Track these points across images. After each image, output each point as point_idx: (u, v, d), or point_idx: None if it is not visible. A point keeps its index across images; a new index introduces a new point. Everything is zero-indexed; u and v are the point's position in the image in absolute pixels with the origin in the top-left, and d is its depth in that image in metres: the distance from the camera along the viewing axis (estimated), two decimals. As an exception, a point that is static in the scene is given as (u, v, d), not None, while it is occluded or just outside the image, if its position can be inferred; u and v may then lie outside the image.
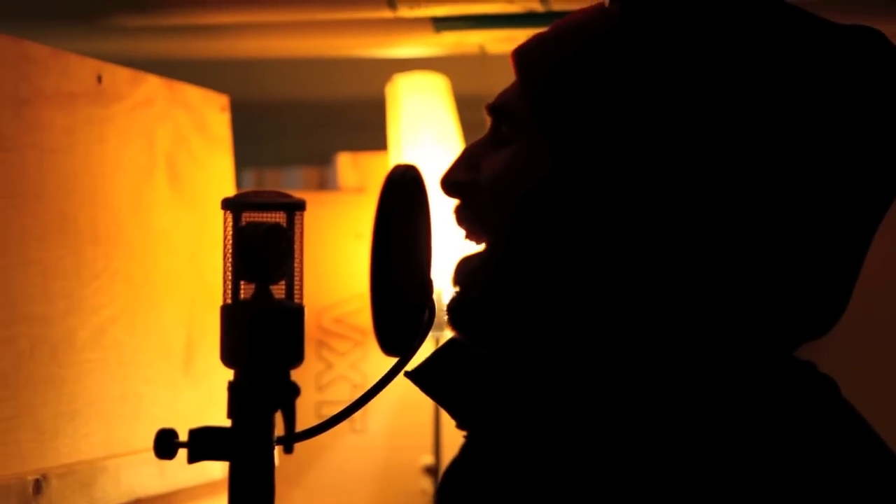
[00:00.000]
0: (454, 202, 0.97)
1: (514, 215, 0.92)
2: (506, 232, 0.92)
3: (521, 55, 0.95)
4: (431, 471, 2.49)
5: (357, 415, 0.99)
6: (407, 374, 0.96)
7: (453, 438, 2.51)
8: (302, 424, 0.95)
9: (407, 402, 2.55)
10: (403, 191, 0.91)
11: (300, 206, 0.95)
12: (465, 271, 0.96)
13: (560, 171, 0.90)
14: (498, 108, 0.95)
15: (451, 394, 0.95)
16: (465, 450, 0.95)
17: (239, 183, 1.90)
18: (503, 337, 0.94)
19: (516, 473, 0.88)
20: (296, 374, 0.95)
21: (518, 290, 0.92)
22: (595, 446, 0.86)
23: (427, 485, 2.51)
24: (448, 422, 2.51)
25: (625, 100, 0.88)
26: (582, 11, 0.95)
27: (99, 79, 1.50)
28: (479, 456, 0.93)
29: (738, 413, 0.87)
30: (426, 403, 2.49)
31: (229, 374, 0.95)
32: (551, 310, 0.91)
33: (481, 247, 0.96)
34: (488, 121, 0.97)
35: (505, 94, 0.95)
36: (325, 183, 2.94)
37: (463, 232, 0.97)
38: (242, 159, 1.90)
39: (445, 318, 0.97)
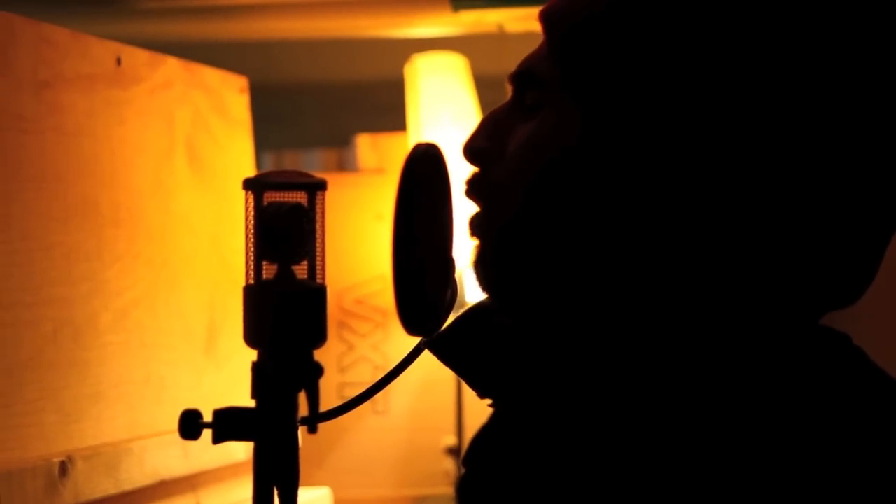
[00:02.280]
0: (468, 172, 0.96)
1: (538, 182, 0.91)
2: (528, 197, 0.91)
3: (549, 15, 0.93)
4: (453, 451, 2.49)
5: (379, 396, 0.99)
6: (426, 345, 0.96)
7: (475, 419, 2.52)
8: (324, 406, 0.95)
9: (429, 383, 2.55)
10: (425, 169, 0.91)
11: (322, 185, 0.95)
12: (478, 224, 0.94)
13: (587, 133, 0.89)
14: (522, 75, 0.94)
15: (471, 363, 0.95)
16: (492, 419, 0.94)
17: (258, 165, 1.90)
18: (530, 306, 0.93)
19: (543, 441, 0.88)
20: (317, 356, 0.95)
21: (539, 258, 0.91)
22: (623, 414, 0.86)
23: (449, 465, 2.52)
24: (470, 403, 2.51)
25: (656, 60, 0.87)
26: None
27: (118, 61, 1.50)
28: (506, 425, 0.92)
29: (767, 381, 0.86)
30: (448, 384, 2.49)
31: (251, 357, 0.95)
32: (574, 278, 0.90)
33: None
34: (510, 90, 0.96)
35: (529, 60, 0.94)
36: (344, 164, 2.94)
37: (472, 202, 0.96)
38: (261, 142, 1.91)
39: (467, 298, 0.96)
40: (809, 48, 0.87)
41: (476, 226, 0.95)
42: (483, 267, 0.94)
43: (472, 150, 0.95)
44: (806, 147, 0.87)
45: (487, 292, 0.95)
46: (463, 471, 0.95)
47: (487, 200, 0.94)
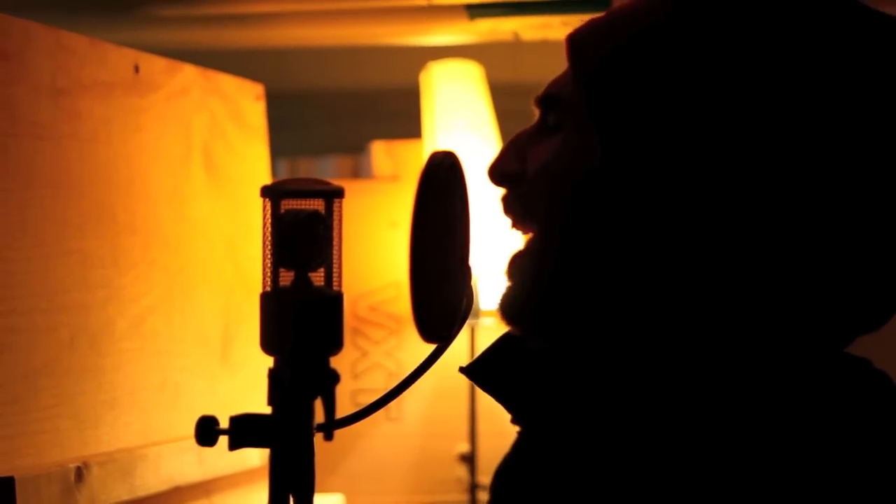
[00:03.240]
0: (499, 191, 0.97)
1: (563, 207, 0.91)
2: (554, 224, 0.92)
3: (575, 41, 0.95)
4: (467, 459, 2.49)
5: (393, 403, 0.99)
6: (462, 370, 0.96)
7: (488, 427, 2.52)
8: (338, 413, 0.95)
9: (442, 390, 2.55)
10: (442, 177, 0.91)
11: (339, 193, 0.95)
12: (518, 267, 0.96)
13: (609, 160, 0.90)
14: (547, 98, 0.95)
15: (508, 388, 0.95)
16: (519, 445, 0.95)
17: (273, 172, 1.90)
18: (558, 330, 0.93)
19: (576, 468, 0.88)
20: (331, 363, 0.95)
21: (571, 284, 0.92)
22: (654, 441, 0.86)
23: (462, 473, 2.51)
24: (484, 411, 2.51)
25: (678, 90, 0.88)
26: None
27: (136, 68, 1.50)
28: (536, 451, 0.92)
29: (794, 409, 0.86)
30: (461, 392, 2.49)
31: (266, 363, 0.95)
32: (605, 302, 0.91)
33: (528, 238, 0.96)
34: (536, 112, 0.97)
35: (555, 84, 0.95)
36: (359, 172, 2.94)
37: (509, 221, 0.97)
38: (276, 149, 1.91)
39: (482, 306, 0.97)
40: (831, 78, 0.87)
41: (515, 268, 0.95)
42: (517, 302, 0.95)
43: (499, 173, 0.97)
44: (831, 174, 0.87)
45: (517, 326, 0.96)
46: (489, 500, 0.95)
47: (521, 225, 0.95)
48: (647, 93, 0.89)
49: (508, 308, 0.96)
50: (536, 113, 0.97)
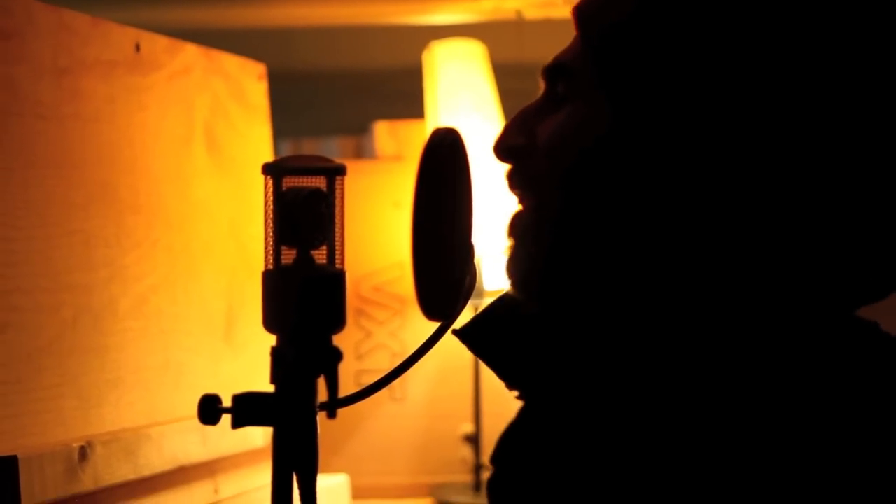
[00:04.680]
0: (503, 167, 0.97)
1: (571, 173, 0.91)
2: (563, 192, 0.92)
3: (582, 10, 0.94)
4: (471, 439, 2.49)
5: (396, 383, 0.99)
6: (454, 332, 0.96)
7: (493, 407, 2.52)
8: (342, 393, 0.95)
9: (447, 370, 2.55)
10: (444, 154, 0.91)
11: (341, 170, 0.95)
12: (520, 226, 0.95)
13: (618, 128, 0.89)
14: (555, 68, 0.95)
15: (500, 353, 0.95)
16: (520, 415, 0.94)
17: (276, 153, 1.90)
18: (566, 297, 0.93)
19: (573, 437, 0.88)
20: (335, 342, 0.95)
21: (575, 249, 0.91)
22: (656, 407, 0.86)
23: (467, 453, 2.52)
24: (488, 391, 2.51)
25: (687, 54, 0.88)
26: None
27: (137, 47, 1.50)
28: (535, 421, 0.92)
29: (800, 371, 0.86)
30: (466, 372, 2.49)
31: (270, 343, 0.95)
32: (609, 269, 0.90)
33: (531, 203, 0.95)
34: (542, 85, 0.96)
35: (563, 54, 0.95)
36: (362, 152, 2.94)
37: (516, 197, 0.96)
38: (279, 129, 1.91)
39: (486, 286, 0.96)
40: (830, 52, 0.87)
41: (517, 226, 0.95)
42: (521, 258, 0.94)
43: (504, 148, 0.96)
44: (837, 141, 0.87)
45: (518, 284, 0.95)
46: (492, 469, 0.95)
47: (532, 193, 0.94)
48: (656, 57, 0.88)
49: (513, 269, 0.95)
50: (542, 85, 0.96)
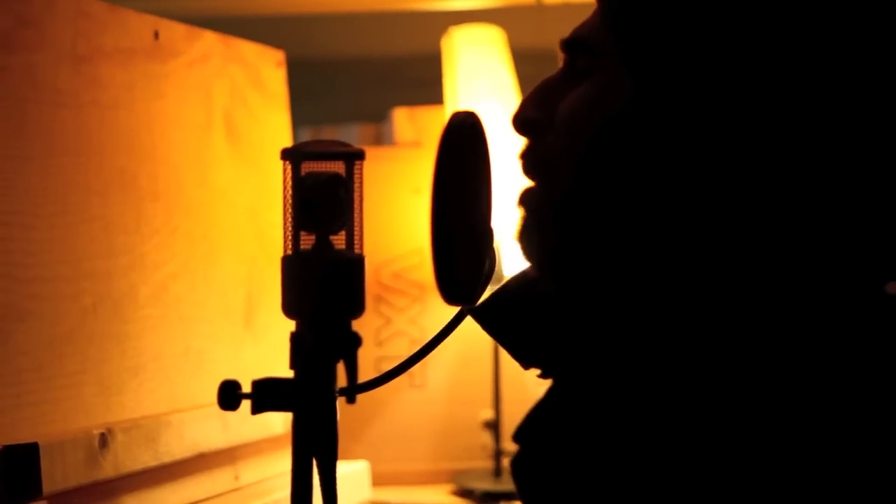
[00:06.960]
0: (517, 149, 0.96)
1: (591, 147, 0.90)
2: (583, 166, 0.91)
3: None
4: (491, 426, 2.49)
5: (416, 369, 0.99)
6: (469, 312, 0.95)
7: (513, 393, 2.51)
8: (362, 379, 0.95)
9: (467, 357, 2.55)
10: (463, 138, 0.90)
11: (360, 155, 0.95)
12: (531, 202, 0.94)
13: (639, 101, 0.88)
14: (574, 42, 0.94)
15: (514, 332, 0.94)
16: (548, 394, 0.93)
17: (295, 140, 1.89)
18: (576, 275, 0.92)
19: (597, 415, 0.87)
20: (354, 328, 0.95)
21: (590, 228, 0.91)
22: (679, 387, 0.85)
23: (487, 440, 2.51)
24: (508, 377, 2.50)
25: (708, 29, 0.87)
26: None
27: (156, 35, 1.50)
28: (558, 399, 0.92)
29: (827, 347, 0.85)
30: (486, 358, 2.48)
31: (289, 329, 0.95)
32: (628, 245, 0.90)
33: (548, 180, 0.94)
34: (562, 58, 0.95)
35: (583, 27, 0.94)
36: (382, 139, 2.93)
37: (531, 174, 0.95)
38: (298, 117, 1.90)
39: (504, 272, 0.96)
40: (858, 26, 0.86)
41: (528, 200, 0.94)
42: (535, 239, 0.94)
43: (522, 121, 0.95)
44: (862, 115, 0.86)
45: (535, 263, 0.94)
46: (517, 447, 0.94)
47: (543, 176, 0.94)
48: (677, 31, 0.87)
49: (532, 254, 0.94)
50: (561, 58, 0.95)
